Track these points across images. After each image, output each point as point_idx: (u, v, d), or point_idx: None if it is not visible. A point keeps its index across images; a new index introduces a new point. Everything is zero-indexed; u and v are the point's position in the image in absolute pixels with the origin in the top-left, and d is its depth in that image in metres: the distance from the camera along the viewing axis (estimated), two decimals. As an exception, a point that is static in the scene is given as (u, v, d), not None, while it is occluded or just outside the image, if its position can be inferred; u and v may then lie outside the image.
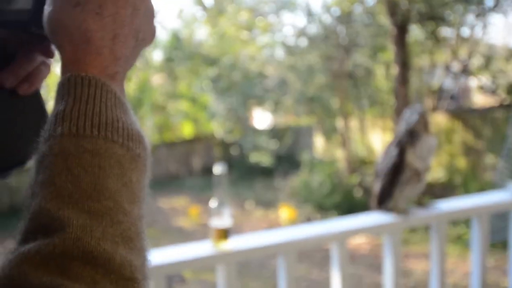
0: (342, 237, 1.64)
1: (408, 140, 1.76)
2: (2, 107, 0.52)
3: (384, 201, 1.81)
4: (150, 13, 0.46)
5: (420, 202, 1.89)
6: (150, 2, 0.46)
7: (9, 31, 0.51)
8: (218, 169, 1.55)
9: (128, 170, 0.39)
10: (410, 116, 1.81)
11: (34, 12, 0.45)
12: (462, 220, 5.66)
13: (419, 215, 1.82)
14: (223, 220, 1.52)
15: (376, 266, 6.11)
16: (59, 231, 0.34)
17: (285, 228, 1.70)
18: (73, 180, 0.36)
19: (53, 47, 0.50)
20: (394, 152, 1.78)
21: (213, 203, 1.54)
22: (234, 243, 1.52)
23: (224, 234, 1.51)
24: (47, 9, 0.43)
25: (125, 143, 0.39)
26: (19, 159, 0.54)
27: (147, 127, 13.68)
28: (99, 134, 0.38)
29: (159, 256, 1.42)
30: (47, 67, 0.53)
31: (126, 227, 0.37)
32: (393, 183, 1.78)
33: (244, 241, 1.58)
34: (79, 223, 0.35)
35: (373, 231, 1.85)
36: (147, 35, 0.46)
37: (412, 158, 1.76)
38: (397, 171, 1.76)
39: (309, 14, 9.04)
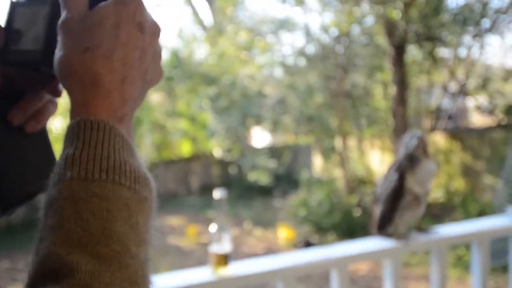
0: (342, 263, 1.63)
1: (407, 165, 1.77)
2: (9, 144, 0.53)
3: (384, 226, 1.81)
4: (157, 55, 0.47)
5: (420, 227, 1.88)
6: (158, 45, 0.47)
7: (19, 70, 0.52)
8: (218, 193, 1.55)
9: (135, 212, 0.40)
10: (409, 140, 1.82)
11: (44, 52, 0.47)
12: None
13: (420, 240, 1.81)
14: (223, 245, 1.51)
15: (375, 287, 6.05)
16: (68, 276, 0.35)
17: (285, 253, 1.69)
18: (82, 224, 0.37)
19: (60, 86, 0.52)
20: (394, 177, 1.78)
21: (212, 228, 1.54)
22: (233, 269, 1.51)
23: (224, 259, 1.50)
24: (57, 53, 0.44)
25: (132, 186, 0.40)
26: (24, 196, 0.54)
27: (146, 145, 13.70)
28: (107, 177, 0.39)
29: (157, 282, 1.41)
30: (54, 105, 0.54)
31: (134, 271, 0.38)
32: (393, 208, 1.78)
33: (244, 267, 1.57)
34: (88, 268, 0.35)
35: (374, 256, 1.84)
36: (154, 76, 0.47)
37: (412, 183, 1.76)
38: (397, 196, 1.76)
39: (308, 34, 9.15)
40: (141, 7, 0.45)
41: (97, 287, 0.35)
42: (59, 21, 0.45)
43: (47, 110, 0.53)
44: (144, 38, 0.45)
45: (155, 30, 0.47)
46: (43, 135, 0.55)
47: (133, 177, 0.41)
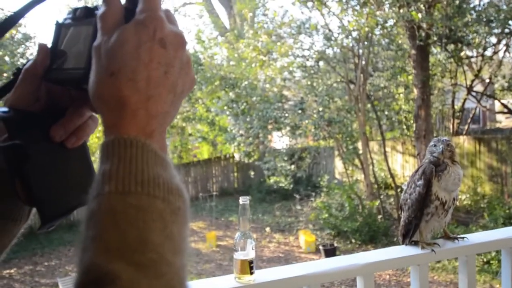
0: (367, 270, 1.62)
1: (433, 171, 1.75)
2: (51, 159, 0.55)
3: (409, 233, 1.79)
4: (185, 65, 0.48)
5: (447, 233, 1.86)
6: (185, 55, 0.48)
7: (63, 88, 0.55)
8: (242, 200, 1.56)
9: (169, 222, 0.42)
10: (435, 146, 1.80)
11: (85, 70, 0.49)
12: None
13: (446, 247, 1.79)
14: (247, 252, 1.52)
15: (399, 294, 5.98)
16: (109, 284, 0.37)
17: (308, 260, 1.66)
18: (120, 234, 0.40)
19: None
20: (419, 183, 1.76)
21: (237, 235, 1.55)
22: (258, 276, 1.51)
23: (248, 266, 1.51)
24: (90, 77, 0.47)
25: (166, 198, 0.42)
26: (64, 209, 0.56)
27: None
28: (143, 190, 0.41)
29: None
30: (95, 121, 0.57)
31: (170, 278, 0.40)
32: (418, 216, 1.76)
33: (268, 274, 1.57)
34: (127, 276, 0.38)
35: (399, 263, 1.83)
36: (185, 86, 0.49)
37: (438, 190, 1.74)
38: (422, 203, 1.74)
39: (328, 37, 9.11)
40: (161, 24, 0.46)
41: None
42: (93, 44, 0.47)
43: (88, 126, 0.56)
44: (168, 53, 0.46)
45: (180, 41, 0.47)
46: (83, 151, 0.58)
47: (166, 189, 0.43)
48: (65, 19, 0.54)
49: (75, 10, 0.53)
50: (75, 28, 0.52)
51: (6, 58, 9.49)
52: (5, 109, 0.54)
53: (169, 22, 0.48)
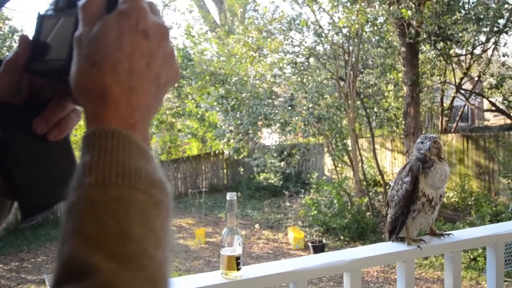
0: (354, 266, 1.63)
1: (420, 168, 1.76)
2: (33, 152, 0.55)
3: (396, 230, 1.80)
4: (169, 57, 0.48)
5: (433, 230, 1.88)
6: (168, 47, 0.48)
7: (45, 80, 0.54)
8: (229, 196, 1.56)
9: (151, 216, 0.42)
10: (422, 143, 1.82)
11: (67, 62, 0.48)
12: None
13: (433, 244, 1.81)
14: (234, 248, 1.52)
15: (386, 290, 6.03)
16: (90, 276, 0.37)
17: (296, 256, 1.66)
18: (100, 226, 0.39)
19: None
20: (406, 180, 1.77)
21: (224, 231, 1.55)
22: (244, 272, 1.52)
23: (235, 262, 1.51)
24: (72, 68, 0.46)
25: (148, 190, 0.42)
26: (47, 203, 0.55)
27: (154, 144, 13.77)
28: (123, 182, 0.41)
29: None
30: (78, 115, 0.56)
31: (152, 271, 0.40)
32: (405, 213, 1.77)
33: (255, 269, 1.58)
34: (108, 268, 0.37)
35: (386, 260, 1.84)
36: (169, 78, 0.48)
37: (424, 186, 1.75)
38: (409, 200, 1.76)
39: (319, 33, 9.12)
40: (143, 14, 0.46)
41: (117, 286, 0.37)
42: (74, 35, 0.47)
43: (70, 119, 0.55)
44: (151, 44, 0.46)
45: (163, 32, 0.47)
46: (65, 144, 0.57)
47: (148, 181, 0.42)
48: (47, 10, 0.53)
49: (56, 1, 0.52)
50: (56, 19, 0.51)
51: (-8, 52, 9.37)
52: None
53: (152, 13, 0.47)
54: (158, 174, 0.44)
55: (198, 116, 13.20)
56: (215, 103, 10.64)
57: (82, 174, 0.41)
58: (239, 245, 1.52)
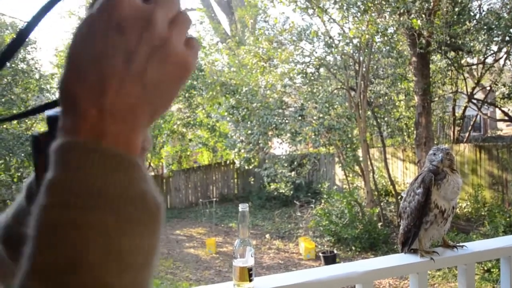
0: (367, 278, 1.63)
1: (432, 179, 1.76)
2: None
3: (408, 241, 1.80)
4: (160, 49, 0.41)
5: (446, 242, 1.87)
6: (156, 37, 0.41)
7: None
8: (241, 207, 1.57)
9: (115, 238, 0.37)
10: (434, 155, 1.82)
11: None
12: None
13: (446, 255, 1.80)
14: (246, 260, 1.53)
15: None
16: None
17: (310, 269, 1.66)
18: (52, 254, 0.36)
19: None
20: (418, 192, 1.77)
21: (236, 242, 1.56)
22: (256, 283, 1.52)
23: (247, 273, 1.51)
24: None
25: (116, 209, 0.37)
26: None
27: (165, 154, 13.85)
28: (84, 203, 0.37)
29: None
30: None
31: None
32: (417, 224, 1.77)
33: (267, 281, 1.58)
34: None
35: (398, 272, 1.84)
36: (164, 74, 0.41)
37: (437, 198, 1.75)
38: (421, 212, 1.75)
39: (329, 44, 9.15)
40: (117, 6, 0.40)
41: None
42: None
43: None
44: (128, 38, 0.40)
45: (145, 22, 0.40)
46: None
47: (117, 197, 0.38)
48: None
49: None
50: None
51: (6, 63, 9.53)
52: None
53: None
54: (140, 186, 0.39)
55: (209, 126, 13.26)
56: (225, 113, 10.68)
57: (43, 193, 0.38)
58: (251, 256, 1.53)
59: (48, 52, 25.25)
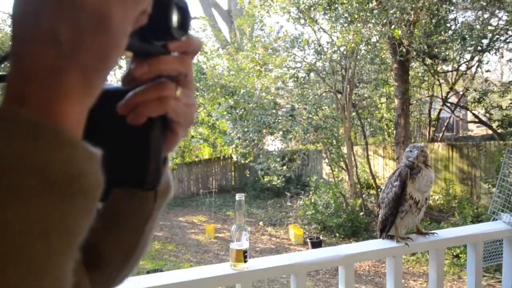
0: (348, 260, 1.65)
1: (408, 173, 1.79)
2: (113, 132, 0.46)
3: (386, 228, 1.82)
4: (72, 2, 0.33)
5: (419, 229, 1.90)
6: None
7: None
8: (238, 196, 1.59)
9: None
10: (410, 151, 1.84)
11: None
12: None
13: (419, 241, 1.83)
14: (242, 243, 1.55)
15: (375, 283, 6.01)
16: None
17: (297, 251, 1.68)
18: None
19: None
20: (395, 184, 1.80)
21: (233, 227, 1.58)
22: (250, 264, 1.54)
23: (242, 255, 1.53)
24: None
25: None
26: (118, 181, 0.46)
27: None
28: None
29: (186, 275, 1.45)
30: (162, 103, 0.44)
31: None
32: (394, 213, 1.79)
33: (260, 262, 1.60)
34: None
35: (377, 255, 1.86)
36: (82, 30, 0.33)
37: (412, 190, 1.78)
38: (397, 202, 1.78)
39: (319, 51, 9.15)
40: None
41: None
42: None
43: (149, 105, 0.43)
44: None
45: None
46: (145, 129, 0.45)
47: (8, 167, 0.31)
48: None
49: None
50: None
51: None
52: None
53: None
54: (44, 158, 0.32)
55: (210, 124, 13.25)
56: (225, 113, 10.67)
57: None
58: (246, 240, 1.55)
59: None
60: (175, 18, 0.44)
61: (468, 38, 7.62)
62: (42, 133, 0.32)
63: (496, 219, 2.13)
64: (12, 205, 0.30)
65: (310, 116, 8.87)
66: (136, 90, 0.43)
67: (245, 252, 1.53)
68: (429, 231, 1.88)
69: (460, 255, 6.12)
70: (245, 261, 1.53)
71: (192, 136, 13.83)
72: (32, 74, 0.33)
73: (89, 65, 0.34)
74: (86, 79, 0.34)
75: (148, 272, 6.09)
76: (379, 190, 9.10)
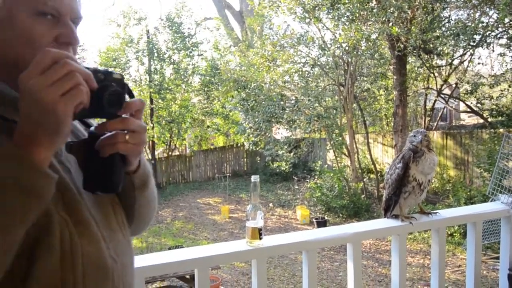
0: (356, 238, 1.60)
1: (411, 156, 1.72)
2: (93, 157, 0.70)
3: (390, 208, 1.76)
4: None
5: (422, 209, 1.83)
6: None
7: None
8: (253, 178, 1.54)
9: None
10: (414, 136, 1.77)
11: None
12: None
13: (422, 220, 1.76)
14: (257, 221, 1.50)
15: (376, 259, 5.96)
16: None
17: (309, 230, 1.63)
18: None
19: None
20: (399, 166, 1.73)
21: (248, 207, 1.53)
22: (265, 241, 1.50)
23: (258, 233, 1.49)
24: None
25: None
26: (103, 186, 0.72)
27: (188, 138, 13.83)
28: None
29: (206, 251, 1.42)
30: (122, 141, 0.69)
31: None
32: (397, 193, 1.73)
33: (274, 239, 1.56)
34: None
35: (382, 233, 1.80)
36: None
37: (415, 173, 1.71)
38: (400, 183, 1.71)
39: (322, 47, 9.00)
40: None
41: None
42: None
43: (115, 144, 0.68)
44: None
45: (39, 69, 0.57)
46: (111, 159, 0.69)
47: None
48: None
49: None
50: None
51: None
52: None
53: None
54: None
55: (224, 115, 13.21)
56: (237, 104, 10.62)
57: None
58: (261, 219, 1.50)
59: (92, 52, 25.27)
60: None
61: (461, 35, 7.41)
62: (22, 159, 0.56)
63: (495, 200, 2.05)
64: None
65: (313, 107, 8.77)
66: (102, 137, 0.68)
67: (260, 230, 1.49)
68: (432, 211, 1.82)
69: (454, 234, 6.03)
70: (260, 238, 1.49)
71: (208, 126, 13.82)
72: (26, 135, 0.57)
73: (50, 132, 0.57)
74: (50, 138, 0.58)
75: (169, 248, 6.12)
76: (378, 174, 9.00)
